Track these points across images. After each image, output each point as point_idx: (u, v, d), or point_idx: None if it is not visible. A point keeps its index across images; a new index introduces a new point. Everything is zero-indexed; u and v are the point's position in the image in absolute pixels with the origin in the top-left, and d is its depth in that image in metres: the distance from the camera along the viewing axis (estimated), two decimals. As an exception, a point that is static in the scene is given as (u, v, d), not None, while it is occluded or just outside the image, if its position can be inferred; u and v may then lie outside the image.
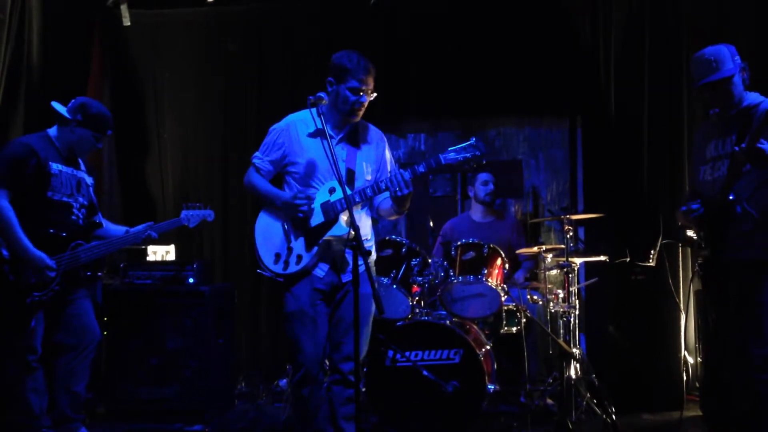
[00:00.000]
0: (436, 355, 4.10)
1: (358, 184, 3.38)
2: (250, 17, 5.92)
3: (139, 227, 4.00)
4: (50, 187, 3.75)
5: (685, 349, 4.80)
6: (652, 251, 4.57)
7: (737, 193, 3.17)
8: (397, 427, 4.10)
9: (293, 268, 3.36)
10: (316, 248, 3.34)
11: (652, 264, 4.59)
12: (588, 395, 4.33)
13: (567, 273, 4.48)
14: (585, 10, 5.38)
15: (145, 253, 5.18)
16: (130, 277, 4.82)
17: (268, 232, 3.45)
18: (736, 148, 3.08)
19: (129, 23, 5.82)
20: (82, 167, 4.01)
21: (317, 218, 3.34)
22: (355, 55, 3.35)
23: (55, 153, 3.82)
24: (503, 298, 4.48)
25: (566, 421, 4.12)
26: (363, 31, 5.68)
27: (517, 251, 5.02)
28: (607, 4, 5.26)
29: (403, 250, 4.50)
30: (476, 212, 5.41)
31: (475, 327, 4.50)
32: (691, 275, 4.77)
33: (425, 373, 4.02)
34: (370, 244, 3.49)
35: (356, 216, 3.29)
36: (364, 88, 3.34)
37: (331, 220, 3.32)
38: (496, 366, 4.41)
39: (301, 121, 3.45)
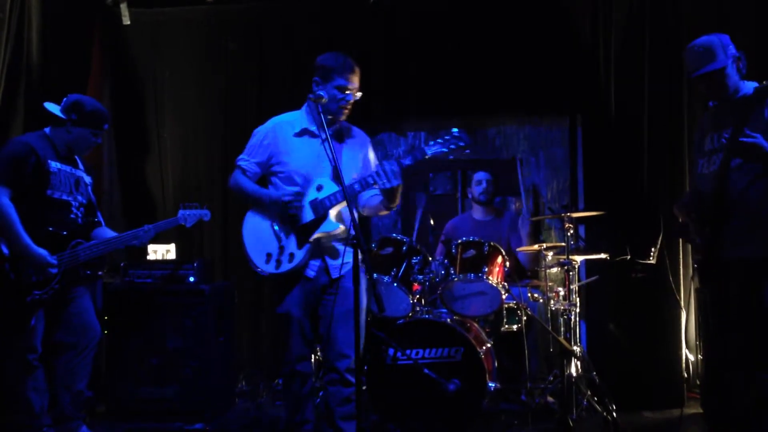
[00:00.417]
0: (437, 353, 4.10)
1: (345, 181, 3.36)
2: (251, 16, 5.91)
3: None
4: (50, 185, 3.75)
5: (686, 346, 4.80)
6: (653, 249, 4.57)
7: (730, 188, 3.16)
8: (397, 426, 4.10)
9: (286, 266, 3.42)
10: (308, 245, 3.41)
11: (652, 262, 4.59)
12: (589, 393, 4.34)
13: (567, 271, 4.48)
14: (585, 8, 5.37)
15: (145, 252, 5.18)
16: (131, 275, 4.82)
17: (256, 232, 3.50)
18: (723, 140, 3.09)
19: (129, 22, 5.81)
20: (81, 166, 4.02)
21: (307, 215, 3.40)
22: (340, 56, 3.45)
23: (53, 151, 3.82)
24: (504, 296, 4.48)
25: (567, 419, 4.12)
26: (363, 29, 5.68)
27: (518, 249, 5.01)
28: (608, 3, 5.26)
29: (404, 248, 4.49)
30: (477, 211, 5.42)
31: (475, 325, 4.50)
32: (691, 273, 4.77)
33: (426, 371, 4.01)
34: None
35: (343, 213, 3.43)
36: (350, 87, 3.43)
37: (320, 216, 3.39)
38: (496, 364, 4.41)
39: (287, 123, 3.56)
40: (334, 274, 3.46)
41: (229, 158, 5.90)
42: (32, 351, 3.74)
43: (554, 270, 4.97)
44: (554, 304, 4.58)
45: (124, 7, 5.74)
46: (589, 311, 5.07)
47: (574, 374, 4.29)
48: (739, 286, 3.21)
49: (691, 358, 4.92)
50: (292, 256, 3.42)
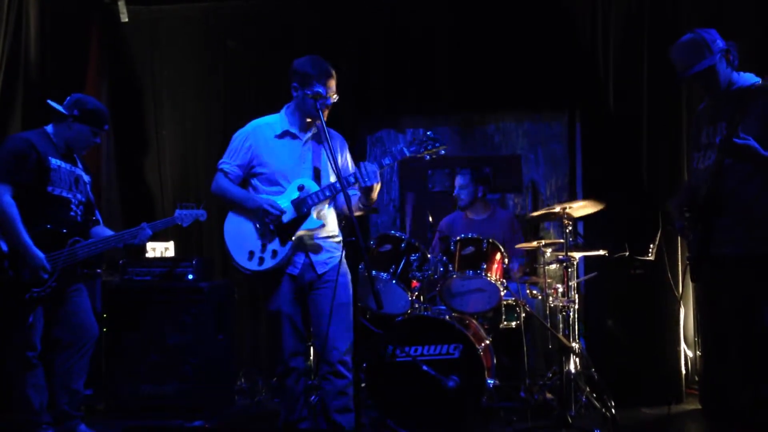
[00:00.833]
0: (436, 350, 4.10)
1: (325, 181, 3.58)
2: (250, 13, 5.90)
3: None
4: (50, 182, 3.76)
5: (684, 342, 4.81)
6: (651, 245, 4.57)
7: (724, 185, 3.15)
8: (396, 422, 4.10)
9: (269, 263, 3.49)
10: (290, 242, 3.50)
11: (651, 258, 4.59)
12: (587, 389, 4.34)
13: (566, 267, 4.47)
14: (584, 4, 5.36)
15: (144, 250, 5.18)
16: (130, 273, 4.82)
17: (239, 231, 3.58)
18: (716, 140, 3.07)
19: (127, 19, 5.80)
20: (80, 165, 4.02)
21: (289, 214, 3.50)
22: (318, 61, 3.59)
23: (53, 149, 3.83)
24: (502, 293, 4.48)
25: (566, 415, 4.13)
26: (363, 27, 5.67)
27: (516, 246, 5.01)
28: (607, -1, 5.28)
29: (402, 245, 4.49)
30: (469, 210, 5.39)
31: (474, 322, 4.50)
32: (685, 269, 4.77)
33: (425, 368, 4.02)
34: (339, 239, 3.68)
35: (324, 212, 3.59)
36: (329, 92, 3.53)
37: (303, 215, 3.50)
38: (495, 361, 4.41)
39: (266, 125, 3.67)
40: (320, 270, 3.57)
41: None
42: (31, 348, 3.74)
43: (553, 267, 4.97)
44: (553, 301, 4.58)
45: (122, 4, 5.73)
46: (588, 308, 5.08)
47: (573, 371, 4.29)
48: (730, 283, 3.21)
49: (690, 354, 4.93)
50: (275, 252, 3.50)
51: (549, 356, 4.82)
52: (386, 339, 4.05)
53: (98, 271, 4.13)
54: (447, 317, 4.25)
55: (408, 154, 3.48)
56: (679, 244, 4.89)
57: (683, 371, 4.79)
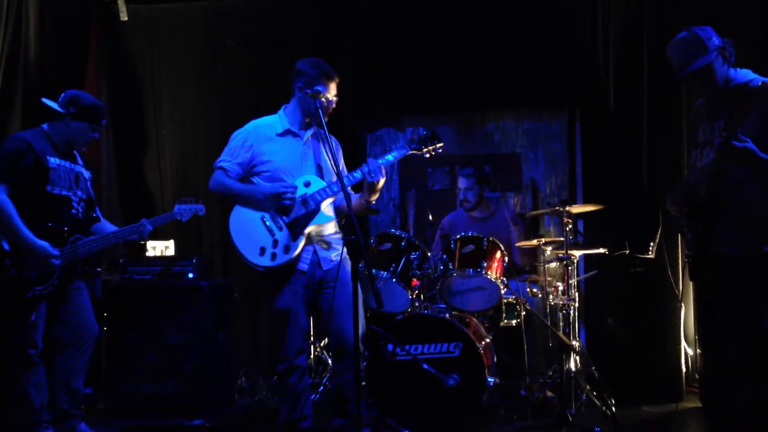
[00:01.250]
0: (436, 348, 4.10)
1: (327, 178, 3.64)
2: (250, 13, 5.90)
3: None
4: (49, 181, 3.76)
5: (685, 341, 4.80)
6: (652, 243, 4.57)
7: (722, 184, 3.15)
8: (397, 421, 4.10)
9: (282, 258, 3.51)
10: (302, 237, 3.53)
11: (651, 256, 4.59)
12: (588, 387, 4.34)
13: (566, 266, 4.47)
14: (584, 2, 5.36)
15: (144, 249, 5.18)
16: (130, 272, 4.82)
17: (247, 227, 3.58)
18: (715, 141, 3.06)
19: (126, 18, 5.80)
20: (80, 161, 4.02)
21: (298, 210, 3.54)
22: (320, 62, 3.68)
23: (51, 147, 3.83)
24: (503, 291, 4.48)
25: (566, 413, 4.13)
26: (363, 26, 5.67)
27: (516, 245, 5.01)
28: (607, -2, 5.27)
29: (402, 243, 4.49)
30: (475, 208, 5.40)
31: (474, 320, 4.50)
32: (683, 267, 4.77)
33: (425, 366, 4.01)
34: (338, 236, 3.73)
35: (328, 209, 3.64)
36: (330, 92, 3.63)
37: (311, 210, 3.54)
38: (495, 359, 4.41)
39: (266, 125, 3.72)
40: (326, 266, 3.62)
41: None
42: (33, 347, 3.74)
43: (553, 265, 4.98)
44: (553, 299, 4.58)
45: (121, 3, 5.73)
46: (588, 306, 5.08)
47: (573, 369, 4.30)
48: (729, 283, 3.20)
49: (690, 352, 4.93)
50: (287, 248, 3.52)
51: (549, 354, 4.82)
52: (386, 337, 4.05)
53: (98, 269, 4.13)
54: (447, 315, 4.24)
55: (409, 151, 3.59)
56: (680, 243, 4.89)
57: (684, 369, 4.78)
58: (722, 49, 3.22)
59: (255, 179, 3.65)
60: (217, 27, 5.90)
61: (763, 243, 3.14)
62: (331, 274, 3.62)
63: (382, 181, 3.52)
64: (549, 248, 4.66)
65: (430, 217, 4.93)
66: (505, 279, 4.56)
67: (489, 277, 4.43)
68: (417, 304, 4.45)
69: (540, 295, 4.78)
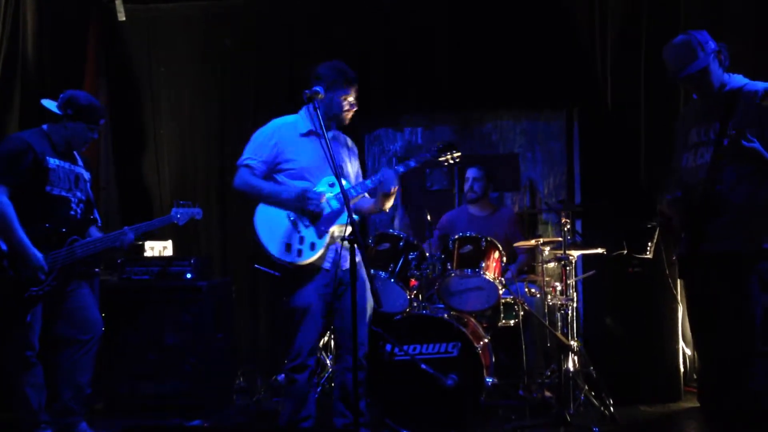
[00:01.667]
0: (434, 348, 4.10)
1: (346, 180, 3.69)
2: (247, 12, 5.90)
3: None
4: (48, 182, 3.75)
5: (683, 340, 4.81)
6: (650, 243, 4.57)
7: (721, 183, 3.17)
8: (395, 421, 4.10)
9: (308, 255, 3.56)
10: (326, 235, 3.60)
11: (649, 256, 4.59)
12: (586, 387, 4.34)
13: (564, 266, 4.48)
14: (582, 3, 5.37)
15: (142, 249, 5.18)
16: (128, 272, 4.81)
17: (272, 224, 3.60)
18: (725, 142, 3.08)
19: (124, 18, 5.80)
20: (80, 162, 4.02)
21: (325, 208, 3.60)
22: (344, 66, 3.72)
23: (51, 148, 3.82)
24: (501, 291, 4.48)
25: (564, 413, 4.13)
26: (361, 25, 5.67)
27: (515, 244, 5.02)
28: (604, -2, 5.28)
29: (401, 243, 4.50)
30: (472, 206, 5.41)
31: (473, 320, 4.50)
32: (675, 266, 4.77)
33: (423, 366, 4.02)
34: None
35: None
36: (354, 95, 3.72)
37: (336, 210, 3.61)
38: (494, 359, 4.41)
39: (289, 124, 3.75)
40: (344, 266, 3.59)
41: (226, 155, 5.93)
42: (30, 348, 3.73)
43: (551, 265, 4.98)
44: (551, 299, 4.58)
45: (119, 3, 5.73)
46: (587, 306, 5.08)
47: (572, 369, 4.30)
48: (722, 279, 3.22)
49: (688, 352, 4.93)
50: (313, 245, 3.58)
51: (547, 354, 4.82)
52: (385, 338, 4.05)
53: (96, 270, 4.12)
54: (445, 316, 4.24)
55: (429, 159, 3.73)
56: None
57: (682, 369, 4.79)
58: (718, 52, 3.25)
59: (279, 177, 3.68)
60: (216, 27, 5.91)
61: (759, 239, 3.16)
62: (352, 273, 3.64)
63: (395, 190, 3.62)
64: (547, 248, 4.66)
65: (428, 218, 4.93)
66: (503, 279, 4.56)
67: (487, 277, 4.43)
68: (415, 305, 4.45)
69: (538, 295, 4.78)
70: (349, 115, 3.75)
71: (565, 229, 4.44)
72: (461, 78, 5.57)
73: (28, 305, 3.67)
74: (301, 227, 3.58)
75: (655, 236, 4.58)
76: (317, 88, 3.46)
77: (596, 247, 4.58)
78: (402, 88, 5.67)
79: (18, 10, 4.88)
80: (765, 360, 3.21)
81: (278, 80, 5.84)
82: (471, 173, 5.33)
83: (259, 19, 5.88)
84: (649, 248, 4.58)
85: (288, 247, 3.55)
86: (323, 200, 3.59)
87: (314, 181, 3.64)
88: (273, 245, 3.56)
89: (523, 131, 6.07)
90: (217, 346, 4.80)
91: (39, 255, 3.62)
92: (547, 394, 4.55)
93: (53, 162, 3.78)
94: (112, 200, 5.92)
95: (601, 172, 5.26)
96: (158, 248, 5.23)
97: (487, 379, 4.14)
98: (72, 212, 3.87)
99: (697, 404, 4.52)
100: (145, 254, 5.17)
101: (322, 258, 3.61)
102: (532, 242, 4.75)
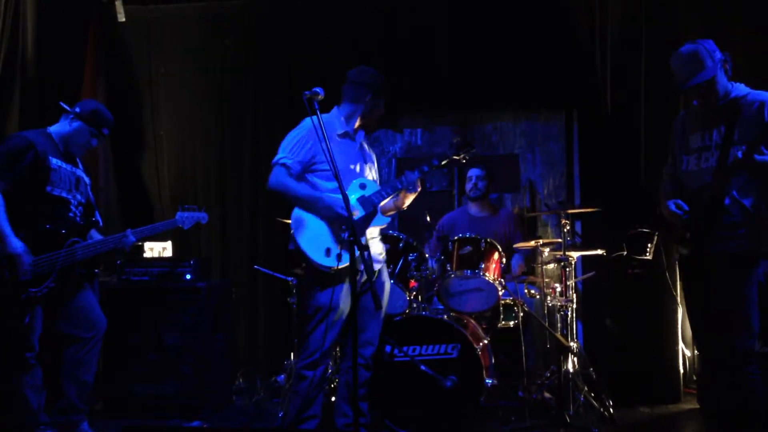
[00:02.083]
0: (434, 349, 4.10)
1: (375, 184, 3.81)
2: (247, 12, 5.90)
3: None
4: (49, 182, 3.74)
5: (682, 342, 4.81)
6: (649, 245, 4.57)
7: (730, 185, 3.18)
8: (394, 422, 4.10)
9: (347, 259, 3.51)
10: (363, 238, 3.65)
11: (649, 257, 4.59)
12: (585, 389, 4.34)
13: (564, 267, 4.48)
14: (582, 4, 5.37)
15: (141, 250, 5.17)
16: (127, 273, 4.81)
17: (311, 229, 3.62)
18: (739, 154, 3.09)
19: (124, 19, 5.80)
20: (80, 166, 4.01)
21: (360, 212, 3.65)
22: (380, 75, 3.81)
23: (54, 149, 3.82)
24: (501, 293, 4.48)
25: (564, 414, 4.13)
26: (360, 26, 5.67)
27: (515, 245, 5.02)
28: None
29: (401, 245, 4.49)
30: (472, 207, 5.42)
31: (472, 321, 4.50)
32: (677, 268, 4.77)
33: (423, 368, 4.02)
34: (378, 237, 3.88)
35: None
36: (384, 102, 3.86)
37: (371, 212, 3.67)
38: (493, 360, 4.41)
39: (326, 124, 3.65)
40: (375, 267, 3.71)
41: (226, 155, 5.94)
42: (29, 349, 3.73)
43: (551, 266, 4.97)
44: (551, 301, 4.58)
45: (119, 3, 5.73)
46: (586, 307, 5.08)
47: (571, 370, 4.30)
48: (723, 279, 3.23)
49: (688, 353, 4.93)
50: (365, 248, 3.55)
51: (547, 355, 4.82)
52: (384, 339, 4.05)
53: (96, 271, 4.12)
54: (445, 317, 4.24)
55: (451, 157, 3.79)
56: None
57: (681, 370, 4.79)
58: (724, 62, 3.27)
59: (311, 177, 3.69)
60: (215, 27, 5.91)
61: (763, 241, 3.20)
62: (376, 275, 3.73)
63: (420, 189, 3.76)
64: (547, 249, 4.66)
65: (428, 219, 4.92)
66: (503, 280, 4.56)
67: (487, 278, 4.43)
68: (415, 306, 4.45)
69: (538, 297, 4.78)
70: (376, 119, 3.89)
71: (565, 230, 4.44)
72: (461, 79, 5.57)
73: (26, 306, 3.66)
74: (339, 231, 3.60)
75: (655, 237, 4.58)
76: (317, 89, 3.44)
77: (596, 249, 4.58)
78: (402, 88, 5.67)
79: (18, 10, 4.88)
80: (763, 361, 3.23)
81: (278, 80, 5.83)
82: (474, 172, 5.33)
83: (258, 19, 5.88)
84: (648, 249, 4.57)
85: (328, 251, 3.57)
86: (356, 214, 3.61)
87: (345, 183, 3.63)
88: (312, 250, 3.57)
89: (522, 132, 6.07)
90: (217, 347, 4.80)
91: (19, 244, 3.56)
92: (547, 395, 4.54)
93: (55, 162, 3.78)
94: (111, 201, 5.91)
95: (600, 173, 5.25)
96: (158, 249, 5.23)
97: (487, 380, 4.14)
98: (71, 214, 3.86)
99: (697, 405, 4.53)
100: (145, 255, 5.17)
101: (359, 261, 3.59)
102: (532, 243, 4.75)
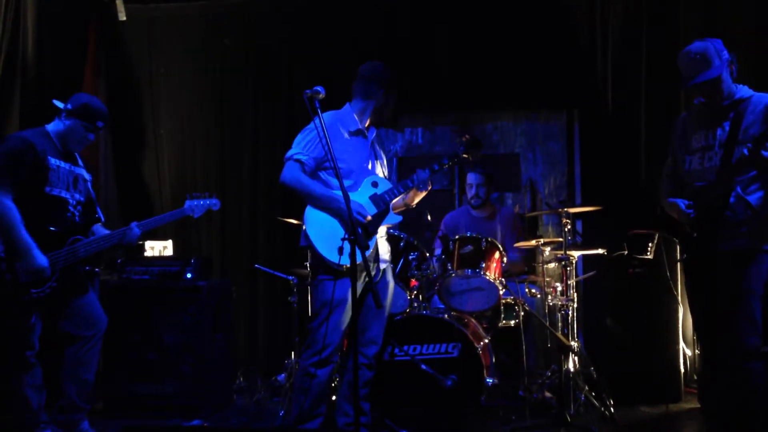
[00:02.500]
0: (435, 349, 4.10)
1: (384, 179, 3.80)
2: (247, 12, 5.90)
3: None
4: (48, 182, 3.73)
5: (683, 341, 4.80)
6: (650, 244, 4.57)
7: (736, 183, 3.19)
8: (395, 422, 4.09)
9: (360, 257, 3.47)
10: (375, 237, 3.66)
11: (649, 257, 4.59)
12: (586, 388, 4.34)
13: (565, 266, 4.47)
14: (583, 4, 5.37)
15: (142, 249, 5.17)
16: (128, 272, 4.81)
17: (324, 227, 3.61)
18: (745, 151, 3.09)
19: (124, 18, 5.81)
20: (80, 163, 4.00)
21: (371, 210, 3.64)
22: (394, 75, 3.84)
23: (53, 148, 3.80)
24: (501, 292, 4.48)
25: (565, 414, 4.13)
26: (360, 25, 5.68)
27: (515, 245, 5.01)
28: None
29: (401, 244, 4.49)
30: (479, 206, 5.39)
31: (473, 321, 4.50)
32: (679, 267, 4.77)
33: (423, 367, 4.01)
34: (385, 236, 3.87)
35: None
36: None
37: (383, 210, 3.66)
38: (494, 359, 4.41)
39: (339, 121, 3.75)
40: (382, 265, 3.75)
41: (225, 154, 5.94)
42: (30, 348, 3.72)
43: (551, 265, 4.97)
44: (552, 300, 4.58)
45: (119, 3, 5.74)
46: (587, 307, 5.08)
47: (572, 369, 4.30)
48: (726, 277, 3.24)
49: (689, 353, 4.93)
50: (366, 246, 3.58)
51: (548, 355, 4.82)
52: (385, 338, 4.04)
53: (96, 270, 4.11)
54: (446, 316, 4.24)
55: (461, 155, 3.79)
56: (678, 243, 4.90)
57: (682, 370, 4.79)
58: (730, 62, 3.28)
59: (324, 174, 3.67)
60: (215, 27, 5.91)
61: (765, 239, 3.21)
62: (382, 274, 3.76)
63: (430, 187, 3.77)
64: (547, 249, 4.66)
65: (429, 218, 4.92)
66: (503, 279, 4.56)
67: (487, 277, 4.43)
68: (416, 305, 4.44)
69: (539, 296, 4.78)
70: (388, 116, 3.90)
71: (566, 229, 4.44)
72: (461, 78, 5.57)
73: (28, 307, 3.66)
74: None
75: (656, 237, 4.58)
76: (317, 88, 3.43)
77: (596, 248, 4.58)
78: (402, 88, 5.65)
79: (18, 10, 4.88)
80: (765, 360, 3.23)
81: (278, 80, 5.84)
82: (473, 179, 5.25)
83: (258, 19, 5.88)
84: (649, 249, 4.57)
85: (341, 250, 3.50)
86: (368, 219, 3.58)
87: (357, 181, 3.67)
88: (326, 249, 3.56)
89: (523, 132, 6.08)
90: (217, 346, 4.80)
91: (44, 259, 3.59)
92: (548, 394, 4.54)
93: (54, 162, 3.77)
94: (111, 200, 5.91)
95: (601, 172, 5.25)
96: (158, 248, 5.23)
97: (488, 380, 4.13)
98: (69, 214, 3.85)
99: (698, 405, 4.53)
100: (145, 254, 5.17)
101: (371, 258, 3.65)
102: (533, 243, 4.74)
